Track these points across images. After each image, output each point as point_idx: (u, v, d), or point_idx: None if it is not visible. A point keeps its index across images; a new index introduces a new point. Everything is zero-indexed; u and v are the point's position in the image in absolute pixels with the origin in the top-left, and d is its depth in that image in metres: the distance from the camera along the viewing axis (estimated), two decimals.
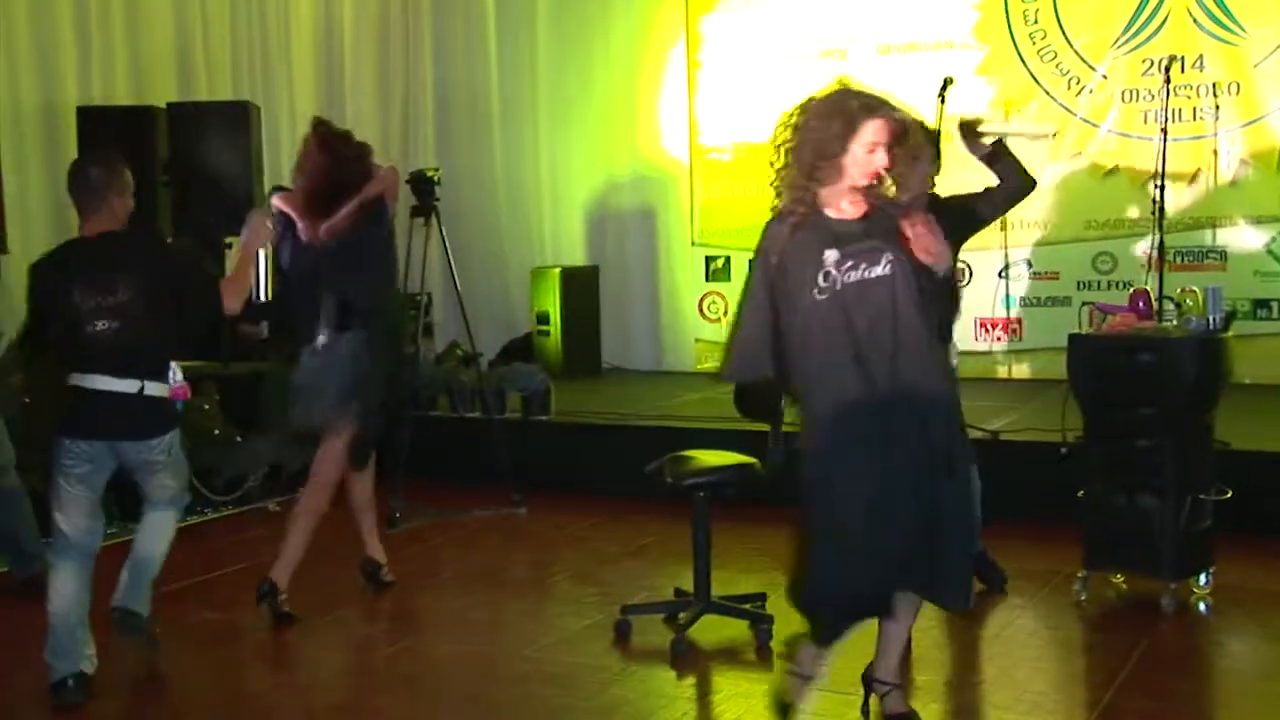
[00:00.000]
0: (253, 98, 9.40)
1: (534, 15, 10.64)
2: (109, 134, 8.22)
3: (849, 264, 3.57)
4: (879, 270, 3.56)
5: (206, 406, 7.36)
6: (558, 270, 9.86)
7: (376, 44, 11.16)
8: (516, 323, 10.38)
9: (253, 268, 5.16)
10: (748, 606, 5.13)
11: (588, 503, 7.16)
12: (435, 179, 7.27)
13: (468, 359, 8.14)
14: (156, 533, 4.74)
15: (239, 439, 7.47)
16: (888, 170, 3.63)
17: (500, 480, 7.17)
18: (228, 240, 8.44)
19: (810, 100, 3.74)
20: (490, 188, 10.82)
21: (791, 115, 3.74)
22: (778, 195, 3.74)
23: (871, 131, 3.61)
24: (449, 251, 7.50)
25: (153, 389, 4.54)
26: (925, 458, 3.54)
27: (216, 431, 7.36)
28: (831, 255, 3.59)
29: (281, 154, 10.74)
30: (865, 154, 3.61)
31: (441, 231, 7.27)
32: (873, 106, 3.65)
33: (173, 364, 4.64)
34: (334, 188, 5.54)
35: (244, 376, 7.98)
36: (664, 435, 6.48)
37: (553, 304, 9.82)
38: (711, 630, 5.06)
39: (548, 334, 9.83)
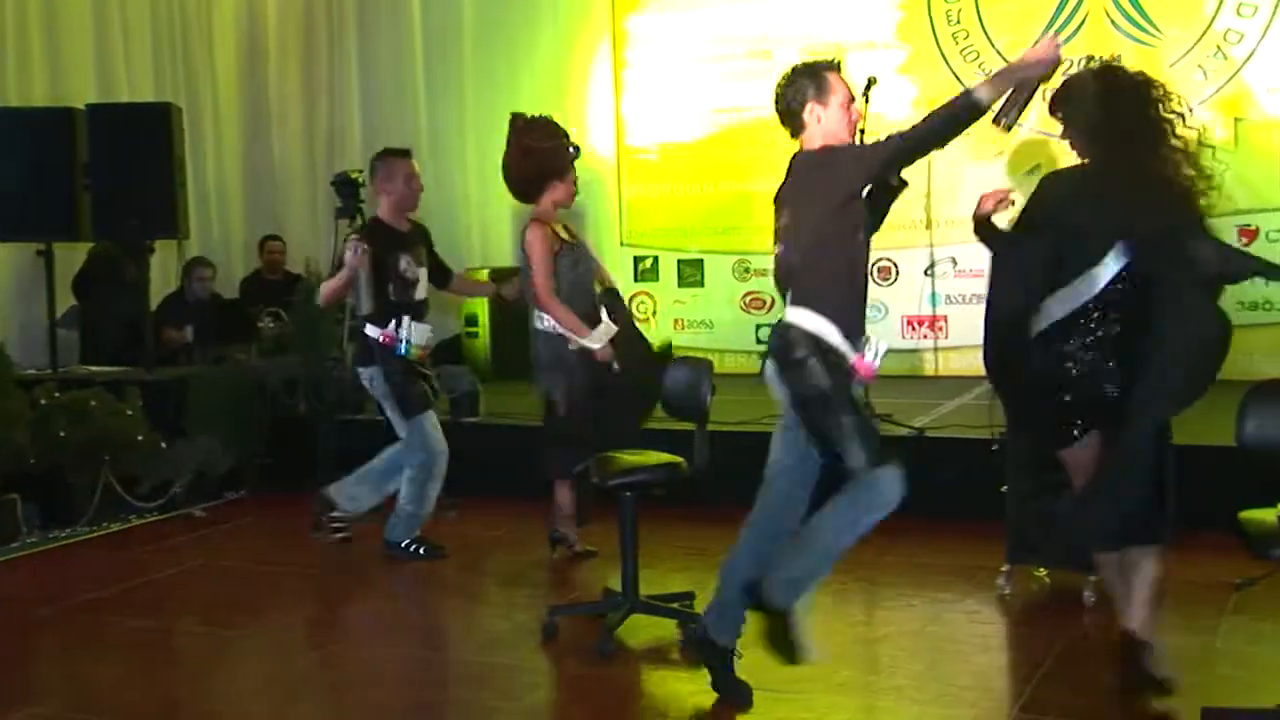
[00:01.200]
0: (175, 99, 9.28)
1: (460, 15, 10.61)
2: (26, 136, 8.11)
3: None
4: None
5: (130, 412, 7.27)
6: (486, 271, 9.79)
7: (301, 47, 11.08)
8: (445, 325, 10.31)
9: (348, 278, 6.06)
10: (676, 606, 5.14)
11: (517, 504, 7.13)
12: (360, 181, 7.19)
13: None
14: None
15: (163, 445, 7.38)
16: None
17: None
18: (150, 244, 8.36)
19: None
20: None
21: None
22: None
23: None
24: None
25: None
26: None
27: (140, 437, 7.27)
28: None
29: (205, 156, 10.66)
30: None
31: None
32: None
33: None
34: (525, 180, 5.94)
35: (168, 382, 7.89)
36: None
37: (481, 306, 9.79)
38: (640, 630, 5.07)
39: (476, 335, 9.79)
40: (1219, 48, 8.35)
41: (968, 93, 4.06)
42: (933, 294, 9.14)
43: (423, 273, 6.32)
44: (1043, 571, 5.43)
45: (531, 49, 10.41)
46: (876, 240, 9.55)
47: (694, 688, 4.62)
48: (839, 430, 4.04)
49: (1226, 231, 8.22)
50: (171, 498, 7.36)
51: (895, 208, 9.49)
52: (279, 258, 10.09)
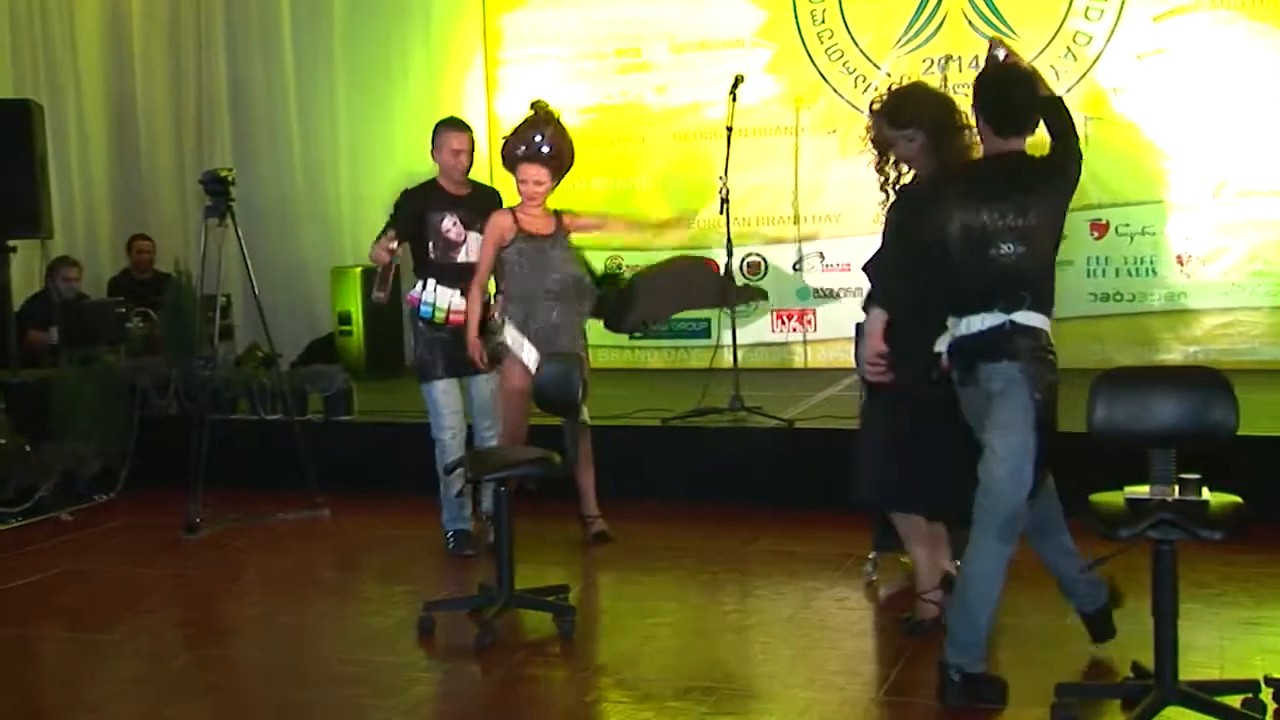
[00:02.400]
0: (35, 96, 9.05)
1: (331, 9, 10.48)
2: None
3: None
4: None
5: None
6: (359, 269, 9.72)
7: (167, 43, 10.86)
8: (318, 323, 10.21)
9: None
10: (551, 599, 5.15)
11: (391, 502, 7.10)
12: (230, 179, 7.12)
13: (267, 360, 8.01)
14: None
15: (28, 448, 7.20)
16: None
17: (303, 482, 7.06)
18: (11, 244, 8.16)
19: None
20: (289, 186, 10.63)
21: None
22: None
23: None
24: (245, 253, 7.33)
25: None
26: None
27: (3, 440, 7.09)
28: None
29: (70, 153, 10.42)
30: None
31: (238, 232, 7.11)
32: None
33: None
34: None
35: (33, 383, 7.71)
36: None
37: (354, 303, 9.70)
38: (516, 624, 5.08)
39: (350, 334, 9.70)
40: (1069, 49, 8.59)
41: None
42: (802, 288, 9.27)
43: (473, 237, 6.11)
44: (908, 558, 5.52)
45: (404, 46, 10.33)
46: (746, 235, 9.73)
47: (571, 681, 4.65)
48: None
49: (1079, 225, 8.49)
50: (37, 502, 7.18)
51: (764, 204, 9.70)
52: (148, 257, 9.90)
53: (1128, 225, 8.54)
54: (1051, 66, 8.50)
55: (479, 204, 6.22)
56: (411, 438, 6.60)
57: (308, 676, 4.75)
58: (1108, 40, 8.52)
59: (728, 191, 7.60)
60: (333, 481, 7.10)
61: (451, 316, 6.10)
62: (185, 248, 9.79)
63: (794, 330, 9.35)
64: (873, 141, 4.69)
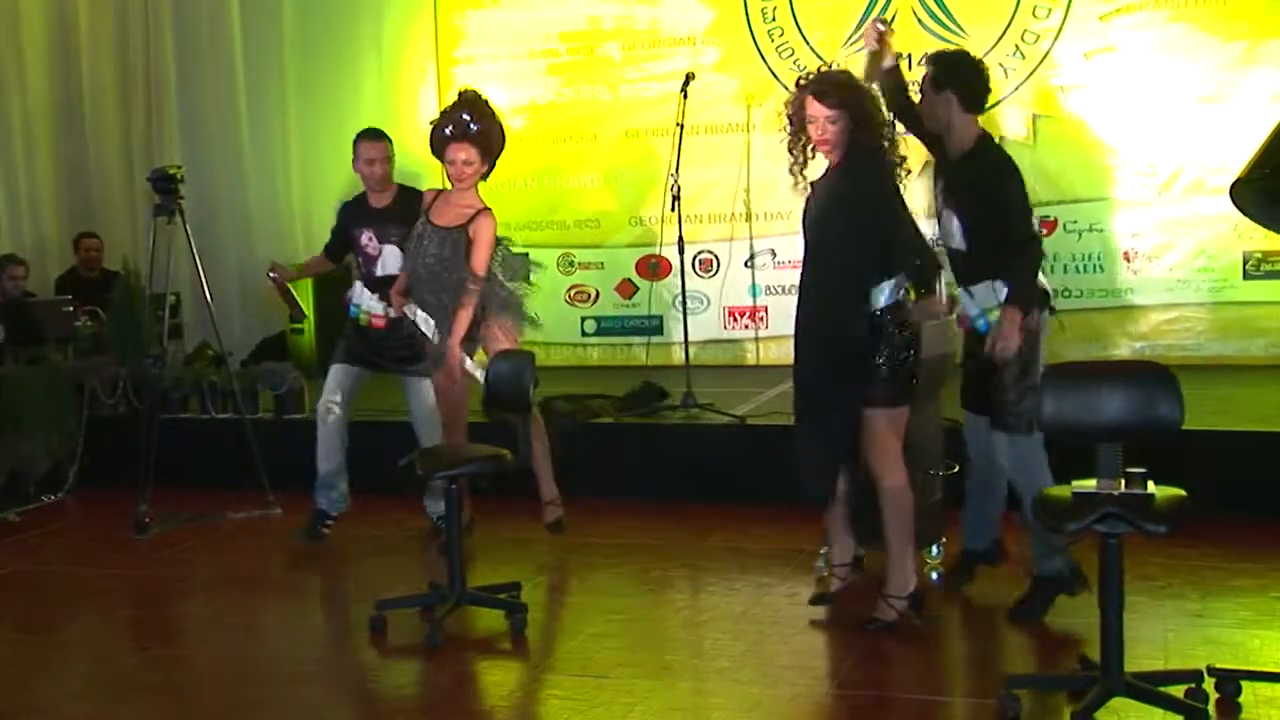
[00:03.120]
0: None
1: (280, 6, 10.39)
2: None
3: None
4: None
5: None
6: None
7: (114, 40, 10.74)
8: (269, 321, 10.13)
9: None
10: (502, 597, 5.14)
11: None
12: (178, 176, 7.05)
13: (218, 359, 7.95)
14: None
15: None
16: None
17: (254, 481, 7.01)
18: None
19: None
20: (239, 183, 10.53)
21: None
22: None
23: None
24: (195, 250, 7.27)
25: None
26: None
27: None
28: None
29: (15, 151, 10.29)
30: None
31: (187, 230, 7.05)
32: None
33: None
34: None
35: None
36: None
37: (306, 301, 9.60)
38: (467, 622, 5.06)
39: (301, 331, 9.62)
40: (1018, 47, 8.64)
41: None
42: (753, 285, 9.28)
43: (389, 250, 6.25)
44: (859, 551, 5.54)
45: (355, 45, 10.24)
46: (698, 233, 9.75)
47: (523, 678, 4.65)
48: None
49: None
50: None
51: (715, 201, 9.72)
52: (96, 255, 9.79)
53: (1075, 222, 8.60)
54: (1000, 64, 8.55)
55: (400, 213, 6.24)
56: (364, 435, 6.57)
57: (259, 676, 4.71)
58: (1056, 38, 8.57)
59: (679, 189, 7.60)
60: (284, 480, 7.06)
61: (372, 320, 6.28)
62: (134, 246, 9.67)
63: (745, 327, 9.36)
64: (790, 118, 4.75)
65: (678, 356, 7.80)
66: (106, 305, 8.24)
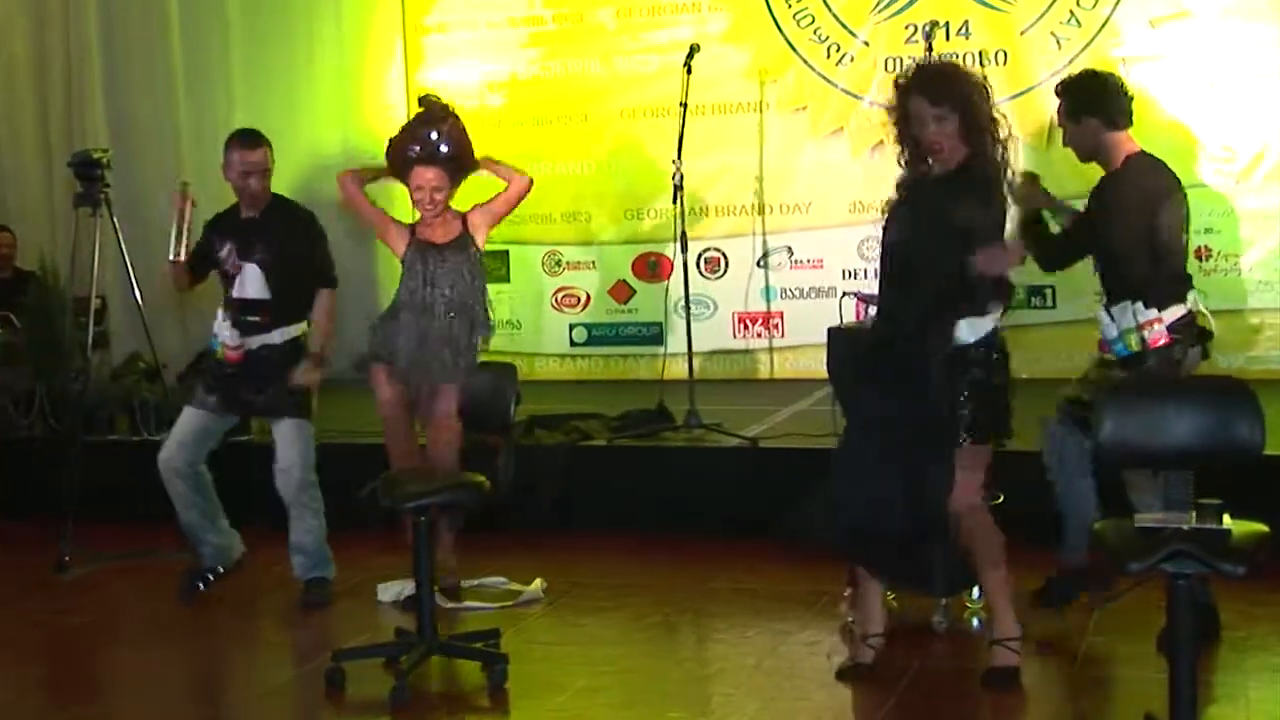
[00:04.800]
0: None
1: None
2: None
3: None
4: None
5: None
6: None
7: (28, 6, 10.74)
8: (210, 329, 10.11)
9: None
10: (479, 645, 5.15)
11: None
12: (104, 162, 7.08)
13: (151, 372, 7.95)
14: None
15: None
16: None
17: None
18: None
19: None
20: (174, 170, 10.51)
21: None
22: None
23: None
24: (124, 248, 7.29)
25: None
26: None
27: None
28: None
29: None
30: None
31: (114, 223, 7.07)
32: None
33: None
34: None
35: None
36: (383, 454, 6.45)
37: None
38: (439, 674, 5.07)
39: None
40: (1073, 14, 8.66)
41: None
42: (766, 288, 9.30)
43: (249, 269, 6.13)
44: (890, 596, 5.55)
45: (310, 9, 10.25)
46: (703, 228, 9.78)
47: None
48: None
49: None
50: None
51: (723, 191, 9.75)
52: (7, 252, 9.79)
53: None
54: (1053, 33, 8.60)
55: (273, 228, 6.19)
56: (323, 462, 6.56)
57: None
58: (1117, 3, 8.58)
59: (682, 177, 7.63)
60: (229, 512, 7.04)
61: (227, 353, 6.16)
62: (52, 241, 9.69)
63: (758, 336, 9.37)
64: (895, 121, 4.79)
65: (680, 369, 7.80)
66: (20, 310, 8.25)
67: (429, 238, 6.00)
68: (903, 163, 4.82)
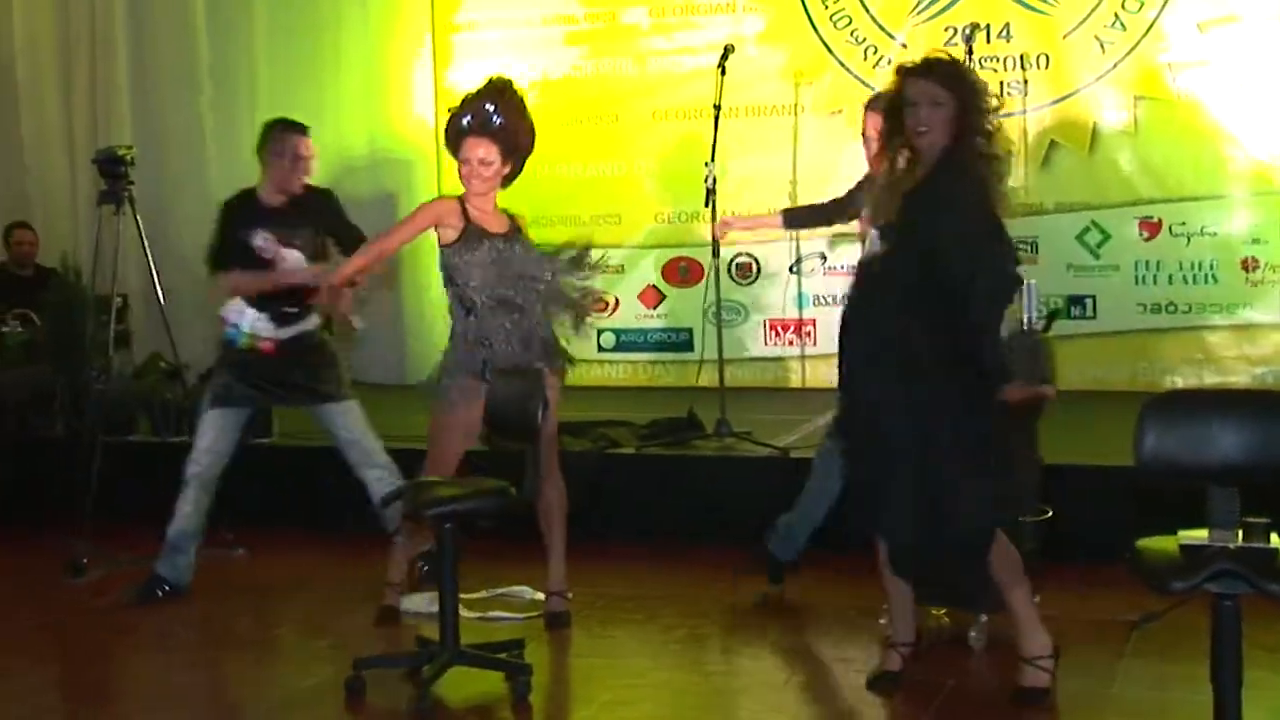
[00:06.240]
0: None
1: None
2: None
3: None
4: None
5: None
6: None
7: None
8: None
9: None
10: (502, 656, 5.13)
11: (317, 540, 7.08)
12: (129, 159, 7.10)
13: (172, 373, 7.96)
14: None
15: None
16: None
17: (212, 517, 7.01)
18: None
19: None
20: (199, 167, 10.57)
21: None
22: None
23: None
24: (147, 246, 7.30)
25: None
26: None
27: None
28: None
29: None
30: None
31: (137, 221, 7.09)
32: None
33: None
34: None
35: None
36: (407, 459, 6.44)
37: None
38: (461, 684, 5.05)
39: None
40: (1118, 16, 8.62)
41: None
42: (799, 294, 9.27)
43: (293, 255, 6.23)
44: (941, 611, 5.49)
45: (338, 4, 10.29)
46: (734, 233, 9.70)
47: None
48: None
49: (1127, 224, 8.53)
50: None
51: (757, 196, 9.75)
52: (29, 249, 9.84)
53: (1184, 224, 8.56)
54: (1097, 38, 8.56)
55: (304, 219, 6.29)
56: (342, 466, 6.56)
57: None
58: (1164, 6, 8.54)
59: (714, 180, 7.61)
60: (248, 516, 7.06)
61: (260, 345, 6.24)
62: (74, 239, 9.74)
63: (790, 344, 9.35)
64: (885, 110, 4.77)
65: (710, 377, 7.78)
66: (41, 308, 8.28)
67: (485, 225, 5.81)
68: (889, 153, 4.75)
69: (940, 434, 4.48)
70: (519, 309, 5.77)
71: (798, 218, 6.87)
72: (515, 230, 5.87)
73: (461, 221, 5.75)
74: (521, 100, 5.94)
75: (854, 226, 6.06)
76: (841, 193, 6.21)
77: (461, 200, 5.82)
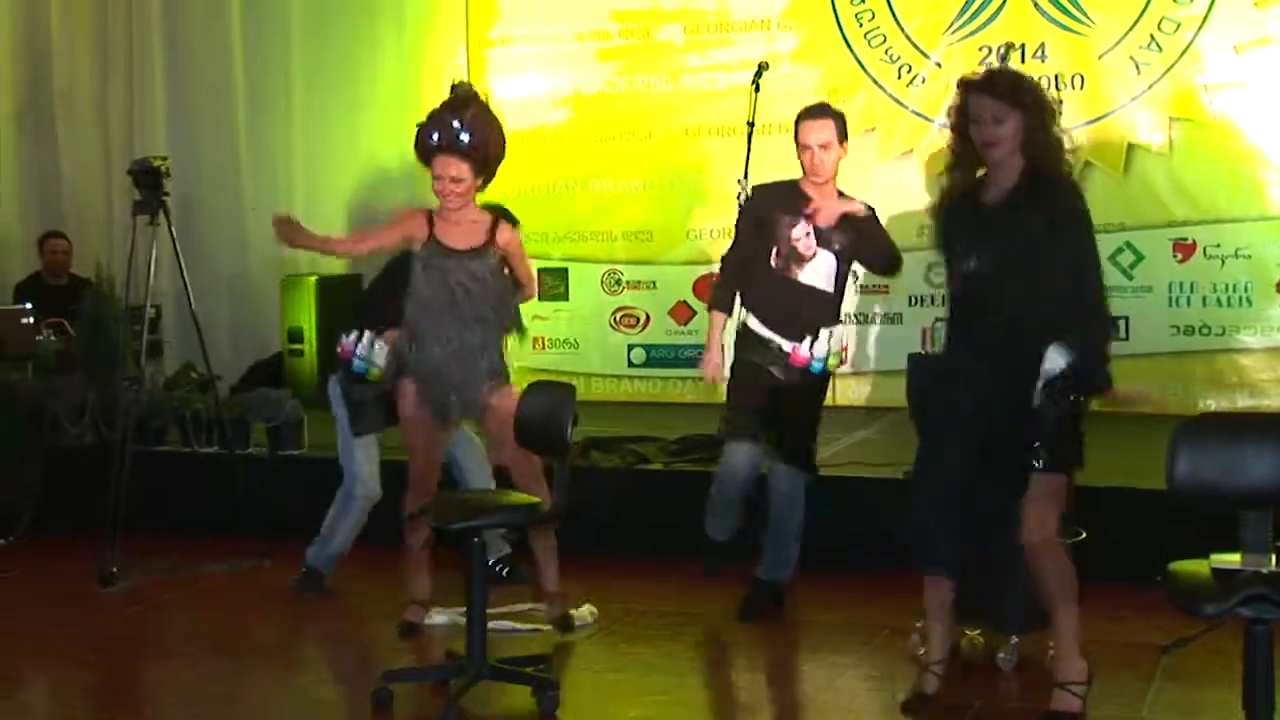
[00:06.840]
0: None
1: None
2: None
3: None
4: None
5: None
6: (314, 279, 9.72)
7: (92, 9, 10.86)
8: (265, 341, 10.20)
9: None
10: (530, 671, 5.14)
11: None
12: (164, 169, 7.13)
13: (204, 383, 7.98)
14: None
15: None
16: None
17: (241, 527, 7.05)
18: None
19: None
20: (234, 179, 10.63)
21: None
22: None
23: None
24: (180, 256, 7.34)
25: None
26: None
27: None
28: None
29: None
30: None
31: (171, 232, 7.12)
32: None
33: None
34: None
35: None
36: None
37: (307, 319, 9.68)
38: (488, 699, 5.06)
39: (301, 354, 9.68)
40: (1153, 38, 8.60)
41: None
42: None
43: None
44: (975, 631, 5.46)
45: (372, 19, 10.33)
46: None
47: None
48: None
49: (1161, 245, 8.49)
50: None
51: None
52: (63, 258, 9.90)
53: (1219, 246, 8.53)
54: (1132, 58, 8.53)
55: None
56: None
57: None
58: (1200, 28, 8.51)
59: (748, 198, 7.59)
60: (277, 527, 7.08)
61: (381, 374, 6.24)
62: (109, 249, 9.79)
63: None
64: (954, 123, 4.82)
65: None
66: (75, 317, 8.32)
67: (448, 241, 5.81)
68: (949, 166, 4.83)
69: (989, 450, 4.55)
70: (463, 322, 5.80)
71: None
72: (488, 244, 5.86)
73: (426, 234, 5.82)
74: (487, 109, 5.90)
75: None
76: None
77: (430, 215, 5.87)
